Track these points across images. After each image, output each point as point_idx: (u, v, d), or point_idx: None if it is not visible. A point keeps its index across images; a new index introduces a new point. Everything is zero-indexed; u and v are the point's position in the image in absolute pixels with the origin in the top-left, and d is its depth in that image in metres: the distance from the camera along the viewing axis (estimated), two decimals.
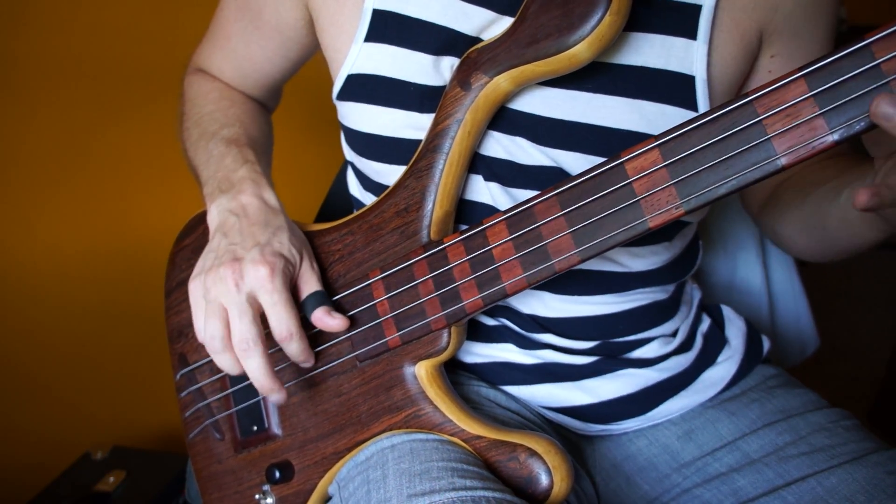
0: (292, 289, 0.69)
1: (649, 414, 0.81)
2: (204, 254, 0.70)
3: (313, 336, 0.74)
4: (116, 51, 1.45)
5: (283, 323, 0.66)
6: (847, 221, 0.67)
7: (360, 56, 0.72)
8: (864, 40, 0.49)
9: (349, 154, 0.81)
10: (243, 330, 0.64)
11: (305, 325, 0.74)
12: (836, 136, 0.51)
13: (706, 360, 0.83)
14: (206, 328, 0.66)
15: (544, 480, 0.63)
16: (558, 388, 0.78)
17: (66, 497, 1.30)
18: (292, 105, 1.19)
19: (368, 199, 0.82)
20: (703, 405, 0.82)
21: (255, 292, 0.65)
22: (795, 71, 0.52)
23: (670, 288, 0.83)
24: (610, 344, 0.79)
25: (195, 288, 0.68)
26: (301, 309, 0.69)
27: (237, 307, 0.65)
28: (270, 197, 0.74)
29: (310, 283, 0.70)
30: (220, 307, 0.65)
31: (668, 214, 0.57)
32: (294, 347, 0.68)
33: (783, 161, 0.53)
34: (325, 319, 0.68)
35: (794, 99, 0.52)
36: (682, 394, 0.81)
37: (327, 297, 0.70)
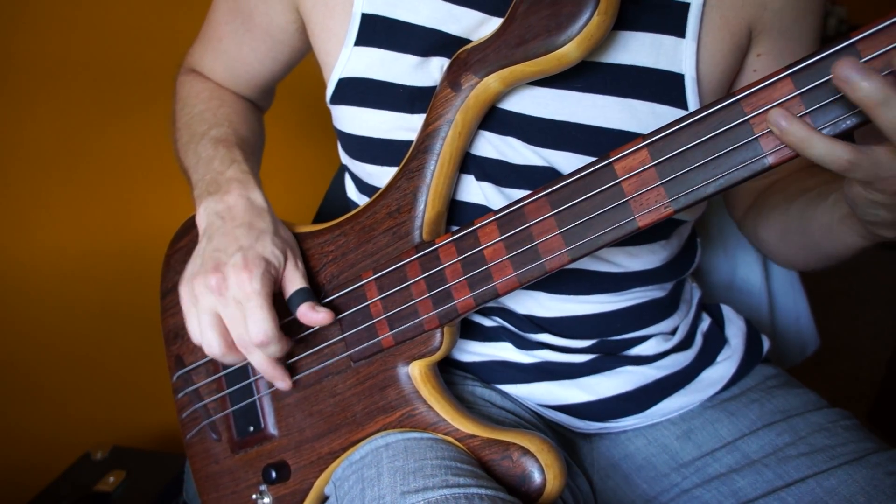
0: (278, 290, 0.70)
1: (648, 412, 0.81)
2: (192, 257, 0.71)
3: (307, 337, 0.74)
4: (116, 51, 1.45)
5: (258, 326, 0.66)
6: (830, 226, 0.67)
7: (351, 60, 0.73)
8: (849, 39, 0.49)
9: (344, 158, 0.82)
10: (241, 334, 0.67)
11: (299, 326, 0.74)
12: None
13: (706, 359, 0.83)
14: (203, 338, 0.69)
15: (537, 478, 0.64)
16: (556, 387, 0.79)
17: (66, 497, 1.30)
18: (288, 108, 1.20)
19: (365, 202, 0.82)
20: (702, 405, 0.82)
21: (237, 296, 0.66)
22: (782, 70, 0.52)
23: (668, 286, 0.83)
24: (607, 342, 0.79)
25: (185, 293, 0.69)
26: (287, 307, 0.70)
27: (229, 315, 0.67)
28: (257, 197, 0.74)
29: (294, 282, 0.71)
30: (213, 315, 0.68)
31: (656, 213, 0.57)
32: (273, 350, 0.68)
33: (770, 160, 0.53)
34: (310, 314, 0.68)
35: (780, 98, 0.52)
36: (681, 392, 0.81)
37: (311, 293, 0.70)
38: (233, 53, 0.89)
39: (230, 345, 0.68)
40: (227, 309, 0.67)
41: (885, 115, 0.47)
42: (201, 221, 0.73)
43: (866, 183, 0.53)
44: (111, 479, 1.34)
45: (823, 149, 0.50)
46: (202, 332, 0.68)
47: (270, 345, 0.67)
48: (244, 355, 0.69)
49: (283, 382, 0.72)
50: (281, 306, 0.69)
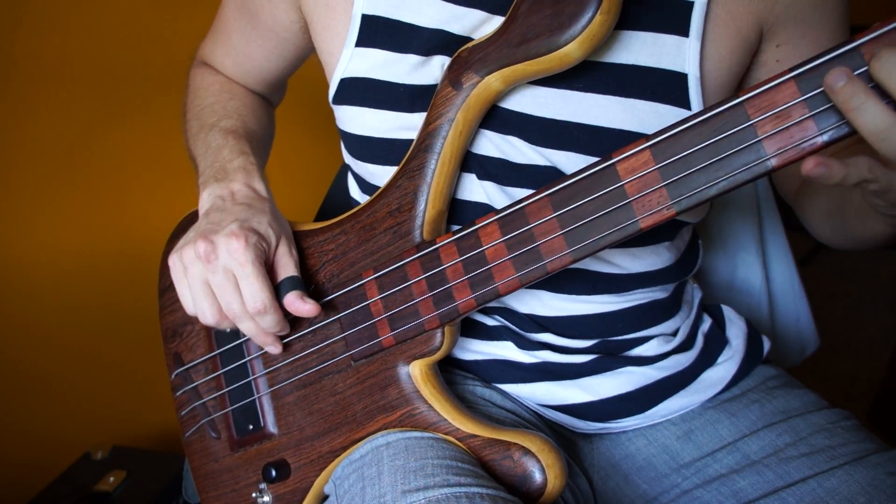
0: (269, 271, 0.70)
1: (648, 413, 0.81)
2: (188, 232, 0.71)
3: (307, 336, 0.74)
4: (116, 51, 1.45)
5: (255, 295, 0.66)
6: (862, 213, 0.66)
7: (352, 60, 0.73)
8: (853, 41, 0.49)
9: (347, 157, 0.82)
10: (229, 302, 0.67)
11: (298, 324, 0.74)
12: (825, 138, 0.51)
13: (707, 360, 0.83)
14: (196, 308, 0.68)
15: (538, 478, 0.64)
16: (557, 387, 0.79)
17: (66, 497, 1.31)
18: (292, 106, 1.20)
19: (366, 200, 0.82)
20: (702, 406, 0.82)
21: (228, 264, 0.66)
22: (785, 72, 0.52)
23: (670, 287, 0.83)
24: (609, 342, 0.79)
25: (174, 262, 0.69)
26: (275, 293, 0.69)
27: (217, 283, 0.67)
28: (261, 187, 0.75)
29: (286, 268, 0.70)
30: (203, 284, 0.67)
31: (659, 215, 0.57)
32: (269, 320, 0.68)
33: (773, 162, 0.53)
34: (298, 304, 0.68)
35: (784, 100, 0.52)
36: (682, 393, 0.81)
37: (301, 282, 0.70)
38: (241, 49, 0.90)
39: (224, 313, 0.68)
40: (215, 276, 0.66)
41: (861, 121, 0.48)
42: (204, 204, 0.73)
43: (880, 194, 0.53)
44: (111, 479, 1.34)
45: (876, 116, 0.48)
46: (195, 301, 0.68)
47: (266, 314, 0.67)
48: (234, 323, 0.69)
49: (273, 347, 0.72)
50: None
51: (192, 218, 0.84)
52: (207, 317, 0.68)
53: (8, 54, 1.34)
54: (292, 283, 0.69)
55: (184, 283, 0.69)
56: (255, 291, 0.66)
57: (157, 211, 1.50)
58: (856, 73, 0.49)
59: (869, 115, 0.48)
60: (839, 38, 0.72)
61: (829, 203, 0.74)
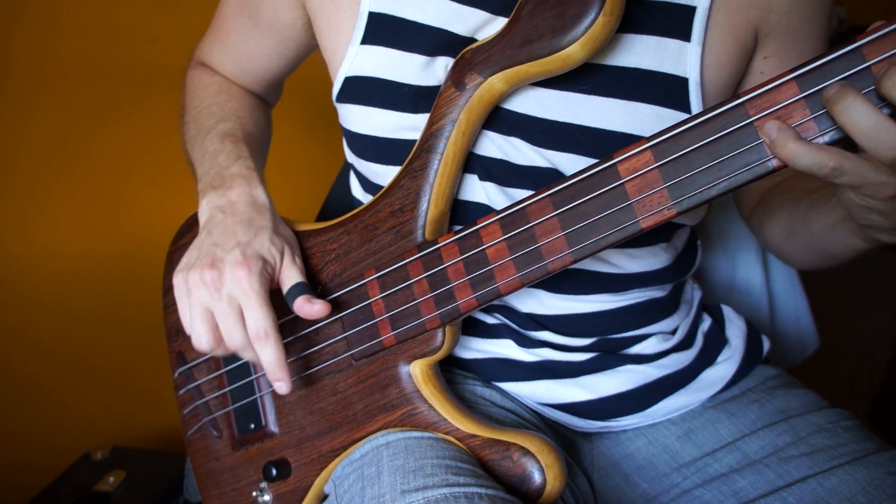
0: (276, 287, 0.70)
1: (648, 411, 0.81)
2: (190, 248, 0.71)
3: (309, 335, 0.74)
4: (114, 51, 1.45)
5: (258, 322, 0.66)
6: (832, 227, 0.67)
7: (357, 58, 0.73)
8: (854, 42, 0.49)
9: (350, 156, 0.82)
10: (230, 331, 0.66)
11: (300, 324, 0.74)
12: (826, 139, 0.51)
13: (706, 359, 0.84)
14: (192, 329, 0.68)
15: (537, 479, 0.64)
16: (557, 385, 0.79)
17: (66, 497, 1.30)
18: (294, 105, 1.20)
19: (368, 200, 0.82)
20: (702, 405, 0.83)
21: (233, 293, 0.66)
22: (787, 72, 0.52)
23: (668, 287, 0.83)
24: (608, 340, 0.79)
25: (179, 282, 0.69)
26: (285, 303, 0.70)
27: (220, 311, 0.66)
28: (260, 193, 0.74)
29: (290, 278, 0.70)
30: (204, 310, 0.67)
31: (660, 215, 0.57)
32: (268, 351, 0.66)
33: (774, 163, 0.53)
34: (306, 307, 0.68)
35: (785, 101, 0.52)
36: (681, 392, 0.81)
37: (308, 287, 0.70)
38: (240, 48, 0.89)
39: (219, 340, 0.68)
40: (219, 304, 0.66)
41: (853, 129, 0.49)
42: (203, 215, 0.73)
43: (855, 188, 0.53)
44: (111, 479, 1.34)
45: (809, 158, 0.51)
46: (192, 324, 0.68)
47: (267, 342, 0.66)
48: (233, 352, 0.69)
49: (283, 384, 0.68)
50: (279, 306, 0.69)
51: (197, 218, 0.84)
52: (203, 342, 0.67)
53: (5, 53, 1.33)
54: (299, 290, 0.69)
55: (185, 304, 0.68)
56: (257, 319, 0.66)
57: (156, 211, 1.50)
58: (856, 70, 0.49)
59: (856, 115, 0.48)
60: (822, 50, 0.73)
61: (794, 219, 0.75)
